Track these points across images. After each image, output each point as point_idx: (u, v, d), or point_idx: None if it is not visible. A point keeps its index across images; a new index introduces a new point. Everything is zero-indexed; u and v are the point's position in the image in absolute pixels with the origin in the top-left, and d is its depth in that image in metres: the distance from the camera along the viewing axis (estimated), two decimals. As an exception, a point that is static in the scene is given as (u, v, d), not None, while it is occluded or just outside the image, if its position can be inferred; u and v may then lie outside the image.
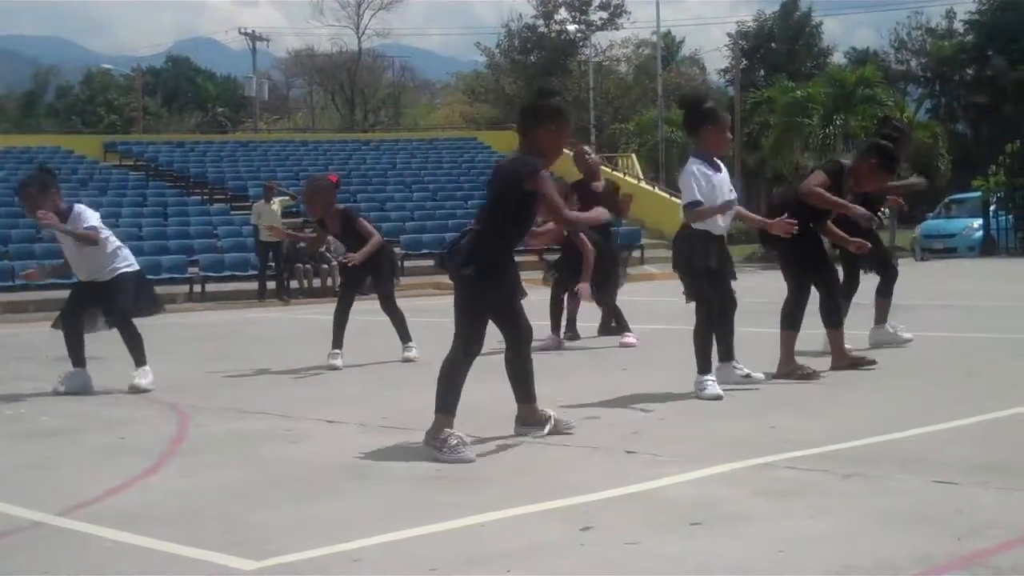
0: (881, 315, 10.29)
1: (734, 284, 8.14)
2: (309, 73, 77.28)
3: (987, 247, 32.71)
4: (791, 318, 8.65)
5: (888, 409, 7.09)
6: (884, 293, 10.30)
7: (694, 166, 7.79)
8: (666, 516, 4.63)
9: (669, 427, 6.72)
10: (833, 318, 8.77)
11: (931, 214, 36.78)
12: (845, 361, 8.74)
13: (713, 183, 7.76)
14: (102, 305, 9.33)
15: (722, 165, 7.97)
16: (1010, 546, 4.02)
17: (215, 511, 5.03)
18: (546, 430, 6.44)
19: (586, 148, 12.78)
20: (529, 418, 6.49)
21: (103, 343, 9.94)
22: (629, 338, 11.32)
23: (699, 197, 7.69)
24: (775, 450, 5.78)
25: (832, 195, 8.54)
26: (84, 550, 4.50)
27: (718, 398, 7.56)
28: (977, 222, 33.87)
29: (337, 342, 10.50)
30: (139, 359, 9.29)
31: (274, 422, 7.45)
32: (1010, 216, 32.76)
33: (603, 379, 8.70)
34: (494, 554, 4.15)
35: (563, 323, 11.64)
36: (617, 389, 8.09)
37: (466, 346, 6.23)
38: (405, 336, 10.74)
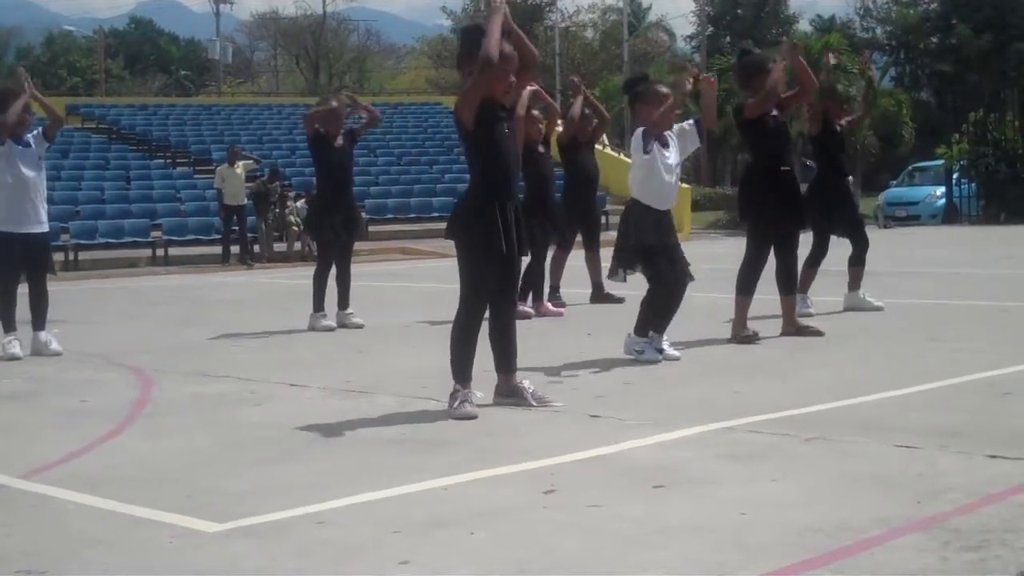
0: (855, 282, 10.45)
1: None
2: (273, 36, 76.68)
3: (949, 215, 32.88)
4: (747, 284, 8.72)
5: (850, 374, 7.14)
6: (856, 262, 10.47)
7: (636, 137, 7.90)
8: (629, 479, 4.65)
9: (633, 391, 6.75)
10: (789, 285, 8.85)
11: (894, 182, 36.94)
12: (793, 327, 8.80)
13: (654, 154, 7.75)
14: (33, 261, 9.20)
15: (671, 140, 7.90)
16: (969, 509, 4.06)
17: (178, 474, 5.01)
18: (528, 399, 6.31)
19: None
20: (504, 388, 6.40)
21: (67, 307, 9.87)
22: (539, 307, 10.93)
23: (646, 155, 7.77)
24: (738, 414, 5.81)
25: None
26: (47, 512, 4.48)
27: (655, 362, 7.65)
28: (940, 190, 34.03)
29: (319, 304, 10.43)
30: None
31: (237, 386, 7.43)
32: (973, 184, 32.92)
33: (569, 344, 8.71)
34: (458, 516, 4.16)
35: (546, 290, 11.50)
36: (582, 354, 8.11)
37: (465, 304, 6.21)
38: (347, 302, 10.62)
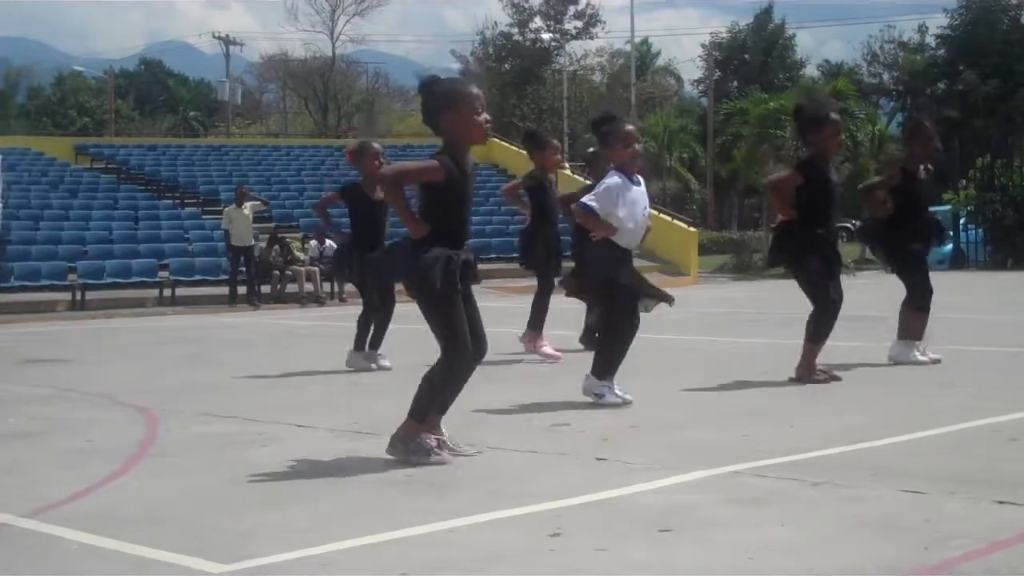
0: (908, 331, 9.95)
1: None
2: (282, 78, 77.08)
3: (957, 261, 32.89)
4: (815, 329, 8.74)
5: (859, 419, 7.12)
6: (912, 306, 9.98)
7: (611, 178, 7.85)
8: (636, 523, 4.63)
9: (640, 434, 6.73)
10: (818, 335, 8.75)
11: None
12: (810, 374, 8.68)
13: (626, 198, 7.74)
14: None
15: (640, 180, 7.91)
16: (976, 556, 4.04)
17: (183, 515, 5.00)
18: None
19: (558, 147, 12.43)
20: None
21: (74, 346, 9.87)
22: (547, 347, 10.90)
23: (594, 205, 7.77)
24: (746, 458, 5.79)
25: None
26: (50, 552, 4.47)
27: (623, 404, 7.64)
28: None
29: (360, 343, 10.52)
30: None
31: (244, 426, 7.42)
32: (980, 230, 32.94)
33: (575, 386, 8.69)
34: (463, 559, 4.14)
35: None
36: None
37: (446, 353, 6.05)
38: (379, 343, 10.65)
